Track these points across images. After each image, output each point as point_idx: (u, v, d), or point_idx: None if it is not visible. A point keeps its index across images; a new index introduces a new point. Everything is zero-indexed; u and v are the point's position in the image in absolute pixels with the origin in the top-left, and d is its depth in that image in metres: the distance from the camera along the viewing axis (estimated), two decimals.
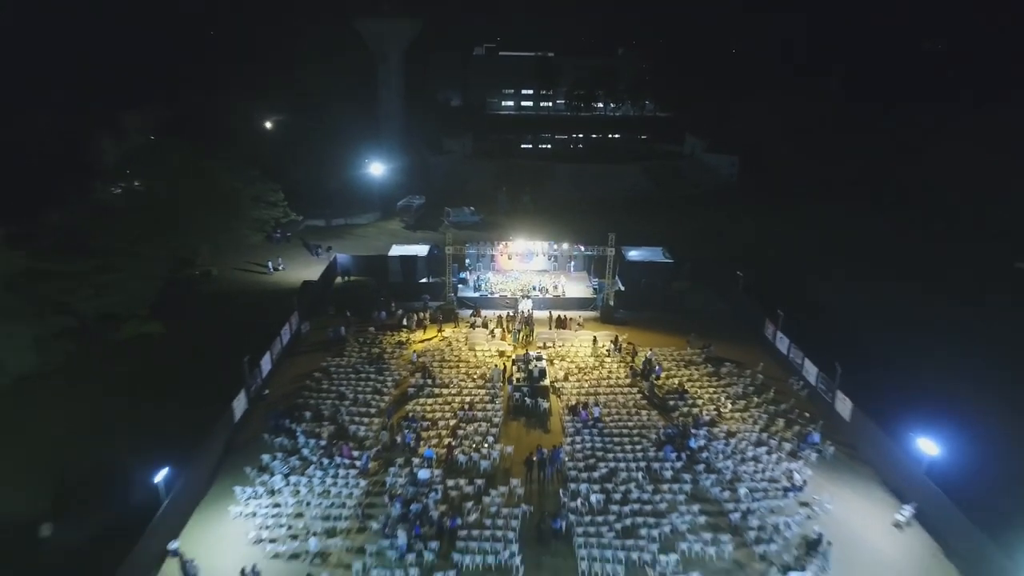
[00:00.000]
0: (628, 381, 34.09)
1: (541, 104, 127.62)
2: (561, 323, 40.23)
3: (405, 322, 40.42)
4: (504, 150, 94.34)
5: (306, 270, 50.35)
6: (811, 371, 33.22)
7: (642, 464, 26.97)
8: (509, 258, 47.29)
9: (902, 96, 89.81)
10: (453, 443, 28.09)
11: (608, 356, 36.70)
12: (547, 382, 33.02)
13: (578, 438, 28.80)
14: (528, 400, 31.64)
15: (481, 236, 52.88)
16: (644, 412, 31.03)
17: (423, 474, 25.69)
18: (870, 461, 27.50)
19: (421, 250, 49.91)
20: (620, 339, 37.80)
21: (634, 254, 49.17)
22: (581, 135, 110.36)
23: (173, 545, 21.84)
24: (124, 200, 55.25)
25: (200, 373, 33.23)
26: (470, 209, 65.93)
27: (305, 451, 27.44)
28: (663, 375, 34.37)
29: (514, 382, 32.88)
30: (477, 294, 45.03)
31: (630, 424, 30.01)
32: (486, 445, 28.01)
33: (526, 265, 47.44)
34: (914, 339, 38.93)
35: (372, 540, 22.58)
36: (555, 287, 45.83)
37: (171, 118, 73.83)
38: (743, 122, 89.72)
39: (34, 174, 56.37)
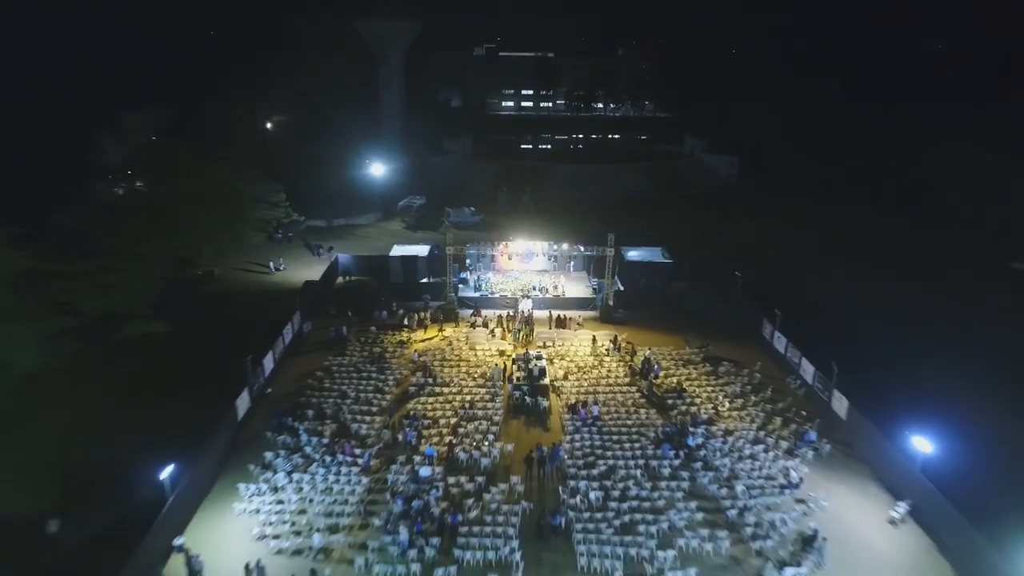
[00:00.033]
0: (627, 380, 34.40)
1: (541, 104, 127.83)
2: (561, 323, 40.54)
3: (406, 322, 40.72)
4: (504, 150, 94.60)
5: (307, 270, 50.66)
6: (808, 370, 33.55)
7: (640, 462, 27.27)
8: (509, 258, 47.57)
9: (902, 96, 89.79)
10: (454, 441, 28.40)
11: (607, 355, 37.01)
12: (547, 381, 33.32)
13: (577, 436, 29.12)
14: (528, 399, 31.96)
15: (481, 236, 53.16)
16: (643, 411, 31.35)
17: (424, 471, 26.00)
18: (866, 459, 27.81)
19: (422, 250, 50.21)
20: (619, 338, 38.11)
21: (633, 254, 49.47)
22: (581, 135, 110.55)
23: (178, 541, 22.20)
24: (126, 200, 55.66)
25: (203, 372, 33.51)
26: (470, 209, 66.24)
27: (308, 449, 27.76)
28: (662, 374, 34.68)
29: (514, 381, 33.19)
30: (477, 294, 45.34)
31: (629, 422, 30.33)
32: (487, 443, 28.32)
33: (526, 265, 47.74)
34: (913, 339, 39.12)
35: (374, 536, 22.89)
36: (555, 287, 46.14)
37: (172, 118, 74.05)
38: (743, 122, 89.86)
39: (36, 174, 56.66)
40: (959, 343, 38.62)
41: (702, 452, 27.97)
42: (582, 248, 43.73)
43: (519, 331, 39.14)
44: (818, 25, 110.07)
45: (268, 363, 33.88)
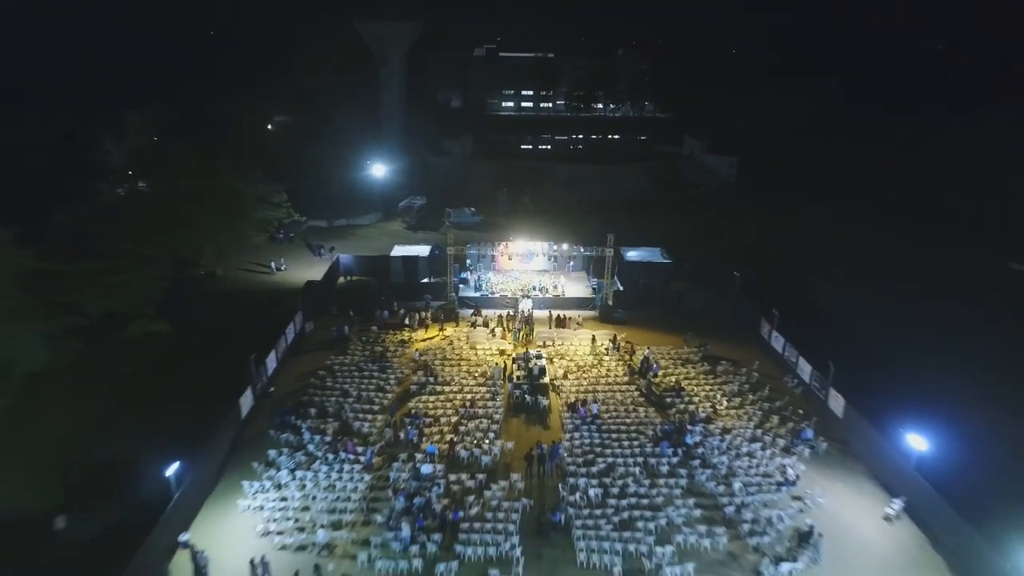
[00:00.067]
0: (626, 379, 34.73)
1: (541, 105, 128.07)
2: (560, 322, 40.87)
3: (407, 321, 41.06)
4: (504, 151, 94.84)
5: (308, 270, 51.00)
6: (805, 369, 33.88)
7: (639, 459, 27.63)
8: (509, 258, 47.93)
9: (901, 96, 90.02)
10: (455, 439, 28.75)
11: (606, 355, 37.34)
12: (547, 380, 33.65)
13: (577, 434, 29.46)
14: (528, 397, 32.30)
15: (482, 237, 53.45)
16: (641, 409, 31.69)
17: (426, 469, 26.35)
18: (862, 457, 28.15)
19: (423, 250, 50.54)
20: (618, 338, 38.44)
21: (633, 254, 49.78)
22: (581, 136, 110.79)
23: (184, 537, 22.55)
24: (128, 201, 55.96)
25: (205, 371, 33.88)
26: (471, 210, 66.58)
27: (311, 447, 28.11)
28: (660, 373, 35.02)
29: (514, 380, 33.51)
30: (478, 294, 45.68)
31: (628, 421, 30.67)
32: (487, 441, 28.66)
33: (526, 265, 48.09)
34: (912, 339, 39.35)
35: (377, 532, 23.25)
36: (555, 287, 46.48)
37: (172, 119, 74.38)
38: (742, 123, 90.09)
39: (38, 174, 57.00)
40: (958, 343, 38.89)
41: (700, 450, 28.31)
42: (582, 249, 44.07)
43: (519, 330, 39.47)
44: (818, 25, 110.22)
45: (271, 362, 34.22)
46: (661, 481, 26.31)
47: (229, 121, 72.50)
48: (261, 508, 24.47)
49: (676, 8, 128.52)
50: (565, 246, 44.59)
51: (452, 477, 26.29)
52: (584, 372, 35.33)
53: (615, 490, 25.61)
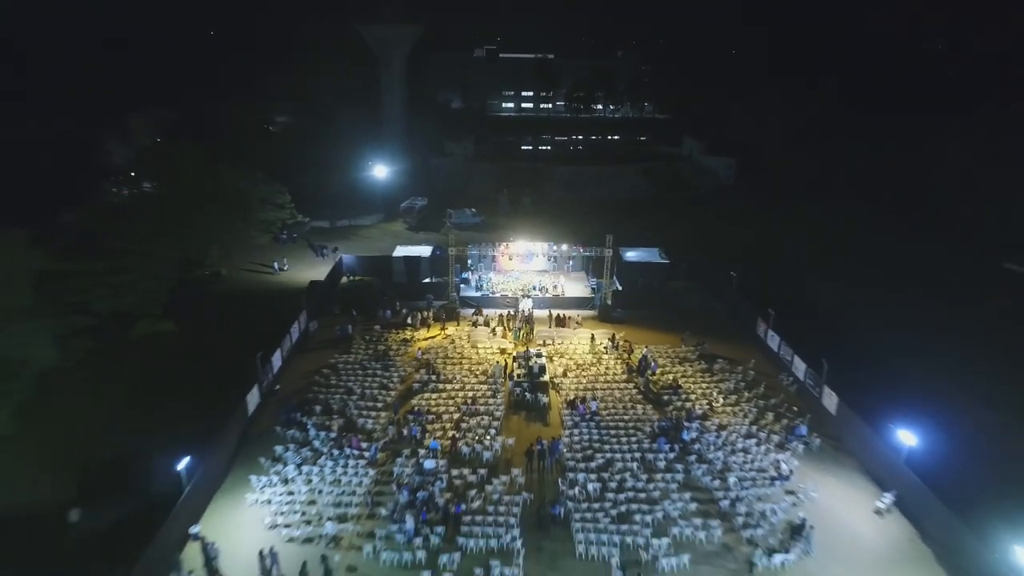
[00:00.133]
0: (624, 377, 35.37)
1: (541, 106, 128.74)
2: (560, 321, 41.52)
3: (409, 320, 41.71)
4: (504, 152, 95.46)
5: (311, 270, 51.64)
6: (800, 368, 34.53)
7: (637, 455, 28.27)
8: (510, 259, 48.61)
9: (901, 97, 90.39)
10: (457, 435, 29.40)
11: (605, 353, 37.98)
12: (547, 378, 34.24)
13: (576, 431, 30.12)
14: (528, 395, 32.95)
15: (482, 237, 54.08)
16: (639, 406, 32.35)
17: (429, 464, 27.02)
18: (854, 452, 28.81)
19: (425, 251, 51.18)
20: (617, 337, 39.08)
21: (631, 255, 50.39)
22: (580, 136, 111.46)
23: (195, 529, 23.25)
24: (133, 202, 56.66)
25: (213, 370, 34.44)
26: (472, 211, 67.24)
27: (316, 443, 28.75)
28: (658, 371, 35.69)
29: (515, 378, 34.10)
30: (479, 293, 46.32)
31: (626, 417, 31.31)
32: (488, 437, 29.32)
33: (526, 265, 48.76)
34: (910, 339, 39.85)
35: (381, 525, 23.92)
36: (554, 287, 47.13)
37: (174, 120, 74.99)
38: (742, 123, 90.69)
39: (44, 176, 57.65)
40: (958, 343, 39.45)
41: (696, 446, 28.95)
42: (581, 249, 44.71)
43: (519, 330, 40.11)
44: (818, 25, 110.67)
45: (276, 360, 34.88)
46: (658, 476, 26.96)
47: (231, 123, 73.12)
48: (269, 502, 25.14)
49: (676, 8, 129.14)
50: (565, 247, 45.26)
51: (454, 472, 26.95)
52: (583, 370, 35.98)
53: (613, 484, 26.25)
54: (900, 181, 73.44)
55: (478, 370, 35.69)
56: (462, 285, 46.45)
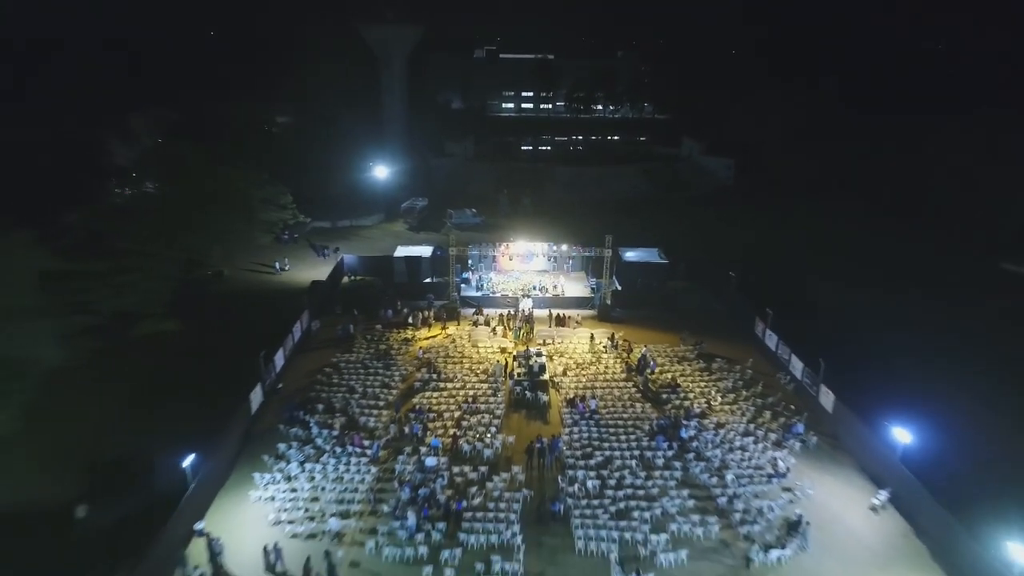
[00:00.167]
0: (623, 376, 35.68)
1: (541, 106, 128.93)
2: (560, 321, 41.84)
3: (411, 320, 42.03)
4: (504, 152, 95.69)
5: (312, 270, 51.91)
6: (797, 367, 34.84)
7: (636, 452, 28.58)
8: (510, 259, 48.95)
9: (901, 97, 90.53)
10: (458, 433, 29.72)
11: (605, 352, 38.30)
12: (546, 377, 34.55)
13: (576, 429, 30.43)
14: (528, 393, 33.25)
15: (483, 237, 54.35)
16: (638, 405, 32.68)
17: (430, 461, 27.34)
18: (850, 450, 29.12)
19: (425, 251, 51.46)
20: (616, 336, 39.39)
21: (631, 255, 50.66)
22: (580, 137, 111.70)
23: (199, 525, 23.55)
24: (136, 202, 56.93)
25: (216, 368, 34.72)
26: (472, 211, 67.54)
27: (319, 440, 29.06)
28: (657, 370, 36.00)
29: (515, 377, 34.40)
30: (479, 293, 46.63)
31: (625, 416, 31.63)
32: (489, 435, 29.64)
33: (526, 265, 49.09)
34: (909, 338, 40.06)
35: (384, 521, 24.24)
36: (554, 287, 47.46)
37: (177, 121, 75.23)
38: (741, 123, 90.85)
39: (47, 176, 57.91)
40: (957, 343, 39.64)
41: (694, 444, 29.27)
42: (581, 249, 45.02)
43: (520, 329, 40.41)
44: (818, 25, 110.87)
45: (279, 359, 35.19)
46: (656, 473, 27.27)
47: (231, 123, 73.42)
48: (272, 498, 25.45)
49: (676, 8, 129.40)
50: (564, 247, 45.58)
51: (455, 469, 27.27)
52: (583, 369, 36.29)
53: (612, 481, 26.56)
54: (900, 181, 73.48)
55: (479, 369, 36.01)
56: (463, 285, 46.74)
